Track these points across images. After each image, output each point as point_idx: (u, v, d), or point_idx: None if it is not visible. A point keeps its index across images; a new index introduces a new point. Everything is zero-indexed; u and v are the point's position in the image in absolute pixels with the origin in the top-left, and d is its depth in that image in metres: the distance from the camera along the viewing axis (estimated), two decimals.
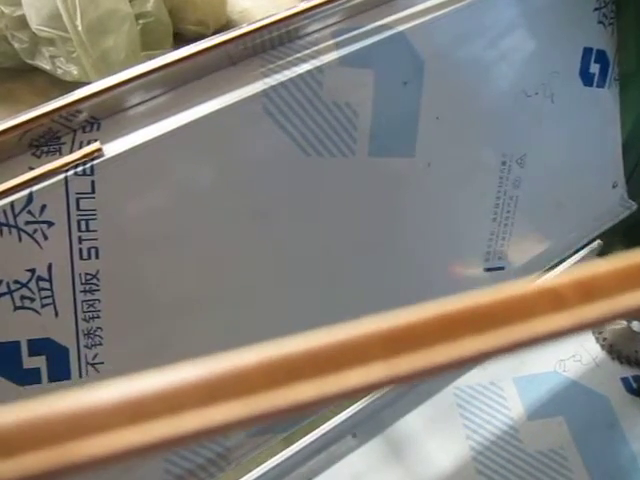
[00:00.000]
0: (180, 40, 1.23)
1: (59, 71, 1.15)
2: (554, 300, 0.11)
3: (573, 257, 0.65)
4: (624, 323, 0.61)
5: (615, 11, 0.54)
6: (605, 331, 0.61)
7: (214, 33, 0.40)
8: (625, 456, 0.54)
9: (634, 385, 0.58)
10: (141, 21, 1.15)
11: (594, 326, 0.12)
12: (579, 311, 0.11)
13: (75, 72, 1.13)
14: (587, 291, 0.12)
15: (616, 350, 0.60)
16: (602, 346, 0.61)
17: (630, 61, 0.56)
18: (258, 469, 0.53)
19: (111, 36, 1.09)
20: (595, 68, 0.55)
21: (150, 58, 0.39)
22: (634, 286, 0.12)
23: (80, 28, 1.06)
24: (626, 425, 0.55)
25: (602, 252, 0.67)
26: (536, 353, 0.61)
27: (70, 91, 0.37)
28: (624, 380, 0.58)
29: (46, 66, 1.16)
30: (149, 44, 1.16)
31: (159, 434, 0.10)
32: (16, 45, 1.16)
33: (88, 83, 0.38)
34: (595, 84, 0.56)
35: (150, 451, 0.10)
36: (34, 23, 1.11)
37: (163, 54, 0.39)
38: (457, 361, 0.11)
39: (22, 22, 1.13)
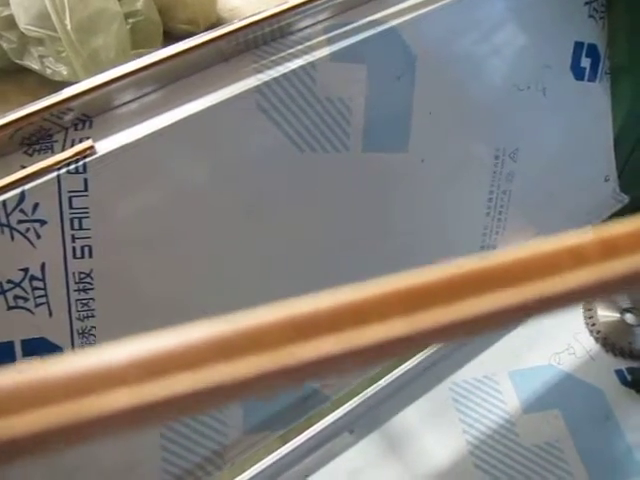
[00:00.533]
0: (170, 39, 1.23)
1: (48, 71, 1.14)
2: (576, 257, 0.11)
3: None
4: (617, 316, 0.62)
5: (606, 5, 0.55)
6: (598, 324, 0.61)
7: (204, 31, 0.40)
8: (620, 448, 0.54)
9: (628, 377, 0.58)
10: (131, 20, 1.14)
11: (616, 286, 0.11)
12: (602, 267, 0.11)
13: (64, 72, 1.12)
14: (610, 248, 0.11)
15: (610, 343, 0.60)
16: (596, 339, 0.61)
17: (621, 55, 0.57)
18: (255, 467, 0.52)
19: (100, 35, 1.08)
20: (586, 62, 0.55)
21: (141, 57, 0.38)
22: None
23: (69, 27, 1.05)
24: (621, 417, 0.56)
25: None
26: (531, 347, 0.61)
27: (59, 91, 0.37)
28: (618, 372, 0.59)
29: (35, 66, 1.15)
30: (139, 43, 1.16)
31: (176, 389, 0.09)
32: (4, 45, 1.15)
33: (77, 82, 0.37)
34: (586, 78, 0.56)
35: (163, 410, 0.09)
36: (22, 23, 1.10)
37: (153, 52, 0.39)
38: (479, 317, 0.10)
39: (10, 22, 1.12)
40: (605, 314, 0.62)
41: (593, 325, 0.62)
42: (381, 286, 0.11)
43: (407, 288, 0.11)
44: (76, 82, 0.37)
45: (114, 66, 0.38)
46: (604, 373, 0.59)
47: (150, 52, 0.39)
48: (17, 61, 1.16)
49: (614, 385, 0.58)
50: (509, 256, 0.11)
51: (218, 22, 1.32)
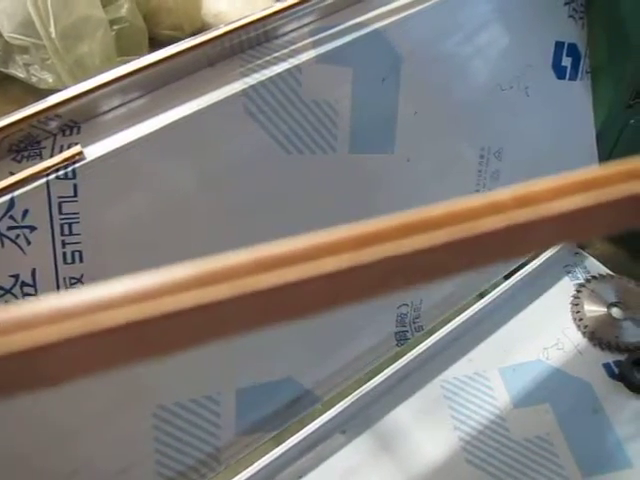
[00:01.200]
0: (155, 45, 1.23)
1: (34, 79, 1.13)
2: (494, 207, 0.14)
3: (551, 249, 0.66)
4: (604, 310, 0.63)
5: (585, 5, 0.56)
6: (586, 318, 0.62)
7: (189, 37, 0.40)
8: (610, 440, 0.55)
9: (616, 370, 0.59)
10: (115, 27, 1.14)
11: (533, 235, 0.14)
12: (514, 214, 0.14)
13: (50, 79, 1.12)
14: (523, 199, 0.14)
15: (597, 337, 0.61)
16: (583, 333, 0.62)
17: (600, 54, 0.58)
18: (249, 469, 0.53)
19: (85, 42, 1.08)
20: (567, 61, 0.56)
21: (126, 63, 0.39)
22: (565, 195, 0.14)
23: (54, 35, 1.05)
24: (609, 410, 0.56)
25: (580, 243, 0.69)
26: (520, 343, 0.62)
27: (46, 98, 0.37)
28: (606, 366, 0.59)
29: (20, 74, 1.15)
30: (124, 49, 1.16)
31: (162, 309, 0.11)
32: None
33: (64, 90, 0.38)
34: (567, 77, 0.57)
35: (153, 325, 0.11)
36: (6, 31, 1.09)
37: (139, 59, 0.40)
38: (414, 252, 0.13)
39: None
40: (592, 309, 0.63)
41: (580, 320, 0.62)
42: (334, 233, 0.13)
43: (357, 233, 0.13)
44: (62, 89, 0.37)
45: (101, 72, 0.38)
46: (592, 367, 0.59)
47: (136, 58, 0.39)
48: (2, 69, 1.15)
49: (602, 378, 0.59)
50: (442, 208, 0.14)
51: (203, 27, 1.32)
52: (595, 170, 0.15)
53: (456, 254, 0.14)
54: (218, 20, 1.38)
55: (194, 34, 0.41)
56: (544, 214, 0.14)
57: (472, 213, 0.14)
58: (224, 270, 0.12)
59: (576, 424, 0.56)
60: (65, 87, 0.37)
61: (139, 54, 1.20)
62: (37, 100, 0.37)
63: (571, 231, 0.14)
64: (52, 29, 1.05)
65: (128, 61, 0.39)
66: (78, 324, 0.11)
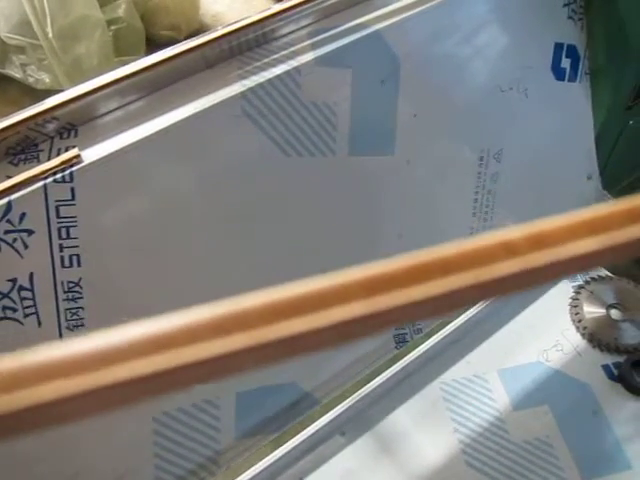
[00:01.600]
0: (153, 45, 1.22)
1: (30, 79, 1.13)
2: (508, 249, 0.14)
3: None
4: (603, 311, 0.63)
5: (584, 6, 0.56)
6: (585, 320, 0.62)
7: (187, 37, 0.40)
8: (609, 441, 0.55)
9: (615, 372, 0.59)
10: (113, 27, 1.14)
11: (545, 275, 0.14)
12: (529, 258, 0.14)
13: (47, 80, 1.11)
14: (537, 241, 0.14)
15: (596, 338, 0.61)
16: (582, 335, 0.62)
17: (599, 55, 0.58)
18: (249, 471, 0.52)
19: (83, 43, 1.08)
20: (566, 63, 0.56)
21: (124, 63, 0.38)
22: (578, 237, 0.14)
23: (51, 35, 1.05)
24: (609, 411, 0.56)
25: None
26: (519, 345, 0.62)
27: (42, 99, 0.37)
28: (605, 367, 0.59)
29: (17, 74, 1.14)
30: (122, 50, 1.15)
31: (180, 361, 0.11)
32: None
33: (60, 90, 0.37)
34: (567, 78, 0.57)
35: (171, 380, 0.11)
36: (3, 31, 1.09)
37: (137, 59, 0.39)
38: (429, 299, 0.13)
39: None
40: (591, 310, 0.63)
41: (579, 321, 0.62)
42: (343, 276, 0.13)
43: (367, 276, 0.13)
44: (59, 90, 0.37)
45: (98, 74, 0.38)
46: (591, 368, 0.59)
47: (134, 59, 0.39)
48: None
49: (601, 380, 0.59)
50: (454, 249, 0.14)
51: (201, 28, 1.32)
52: (605, 208, 0.14)
53: (469, 297, 0.13)
54: (216, 21, 1.37)
55: (192, 35, 0.41)
56: (558, 257, 0.14)
57: (485, 255, 0.13)
58: (238, 318, 0.12)
59: (575, 426, 0.56)
60: (62, 88, 0.37)
61: (137, 54, 1.20)
62: (34, 100, 0.37)
63: (580, 269, 0.14)
64: (49, 29, 1.05)
65: (126, 62, 0.39)
66: (94, 378, 0.11)
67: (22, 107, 0.36)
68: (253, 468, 0.53)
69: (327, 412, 0.56)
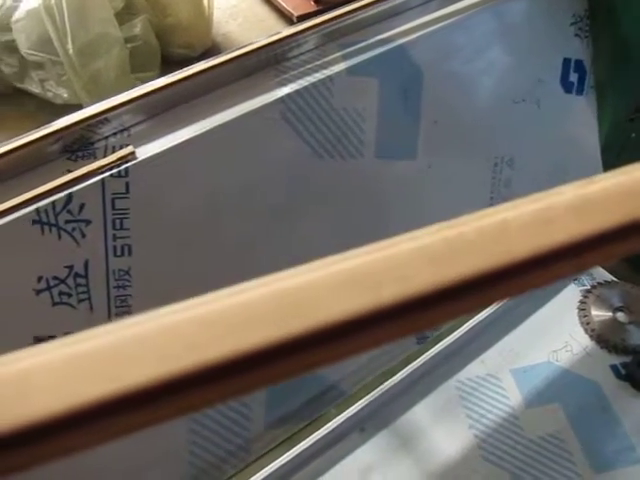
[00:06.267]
0: (167, 62, 1.26)
1: (49, 94, 1.16)
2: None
3: None
4: (610, 314, 0.65)
5: (590, 24, 0.59)
6: (593, 322, 0.65)
7: (200, 55, 0.43)
8: (619, 437, 0.57)
9: (622, 371, 0.61)
10: (130, 44, 1.18)
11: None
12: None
13: (65, 95, 1.14)
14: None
15: (604, 340, 0.63)
16: (591, 336, 0.64)
17: (604, 70, 0.61)
18: (268, 467, 0.54)
19: (101, 59, 1.11)
20: (574, 77, 0.60)
21: (140, 80, 0.41)
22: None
23: (71, 52, 1.08)
24: (618, 408, 0.59)
25: None
26: (530, 346, 0.64)
27: (58, 114, 0.39)
28: (613, 367, 0.62)
29: (35, 89, 1.17)
30: (138, 66, 1.19)
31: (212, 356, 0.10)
32: (5, 69, 1.17)
33: (78, 106, 0.40)
34: (574, 91, 0.60)
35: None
36: (24, 47, 1.13)
37: (153, 77, 0.42)
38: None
39: (11, 47, 1.15)
40: (598, 313, 0.66)
41: (588, 324, 0.65)
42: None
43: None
44: (76, 105, 0.40)
45: (148, 80, 0.41)
46: (600, 368, 0.62)
47: (149, 76, 0.42)
48: (17, 85, 1.18)
49: (610, 379, 0.61)
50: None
51: (213, 46, 1.36)
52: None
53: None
54: (226, 39, 1.41)
55: (204, 53, 0.43)
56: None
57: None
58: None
59: (586, 422, 0.58)
60: (79, 103, 0.40)
61: (152, 71, 1.23)
62: (51, 115, 0.39)
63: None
64: (70, 46, 1.08)
65: (141, 78, 0.42)
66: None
67: (38, 121, 0.39)
68: (272, 464, 0.54)
69: (346, 408, 0.58)
